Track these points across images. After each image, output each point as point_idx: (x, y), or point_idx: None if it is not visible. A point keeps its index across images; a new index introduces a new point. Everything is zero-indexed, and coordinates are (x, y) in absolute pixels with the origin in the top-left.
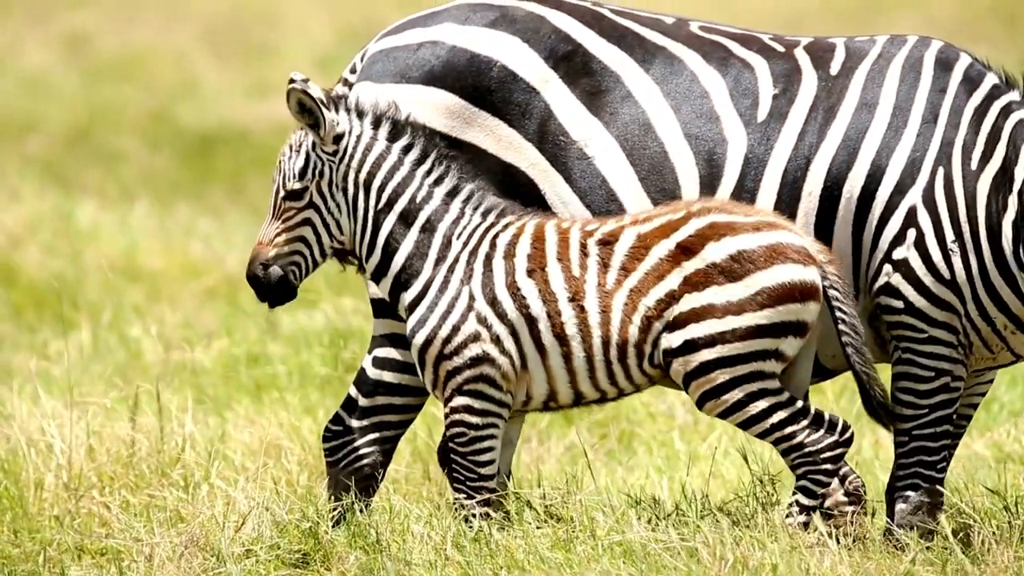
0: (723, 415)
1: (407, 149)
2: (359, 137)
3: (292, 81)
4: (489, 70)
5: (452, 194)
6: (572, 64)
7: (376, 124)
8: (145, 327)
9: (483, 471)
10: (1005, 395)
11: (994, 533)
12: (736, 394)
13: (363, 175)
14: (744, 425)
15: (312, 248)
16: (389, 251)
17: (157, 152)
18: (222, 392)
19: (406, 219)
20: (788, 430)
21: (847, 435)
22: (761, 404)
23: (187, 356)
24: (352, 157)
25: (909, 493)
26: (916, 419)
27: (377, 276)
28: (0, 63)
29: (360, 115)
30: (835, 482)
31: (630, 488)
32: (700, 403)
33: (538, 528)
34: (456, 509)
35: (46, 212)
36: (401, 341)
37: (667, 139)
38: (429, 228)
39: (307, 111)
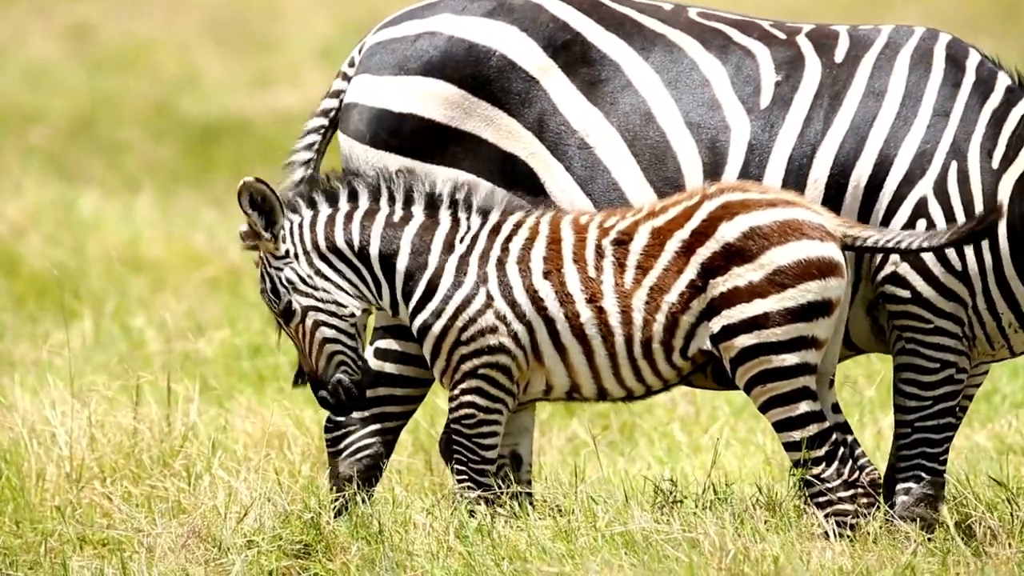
0: (765, 407)
1: (353, 196)
2: (300, 224)
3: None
4: (488, 59)
5: (432, 206)
6: (571, 53)
7: (311, 203)
8: (151, 317)
9: (487, 454)
10: (1007, 386)
11: (996, 525)
12: (782, 385)
13: (323, 245)
14: (780, 426)
15: (341, 338)
16: (390, 277)
17: (160, 143)
18: (224, 382)
19: (388, 247)
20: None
21: (870, 479)
22: (803, 407)
23: (190, 346)
24: (304, 241)
25: (911, 485)
26: (919, 410)
27: (394, 309)
28: (4, 54)
29: (292, 208)
30: (847, 470)
31: (632, 479)
32: (747, 390)
33: (540, 519)
34: (458, 496)
35: (49, 202)
36: (402, 333)
37: (668, 128)
38: (423, 247)
39: (260, 208)
